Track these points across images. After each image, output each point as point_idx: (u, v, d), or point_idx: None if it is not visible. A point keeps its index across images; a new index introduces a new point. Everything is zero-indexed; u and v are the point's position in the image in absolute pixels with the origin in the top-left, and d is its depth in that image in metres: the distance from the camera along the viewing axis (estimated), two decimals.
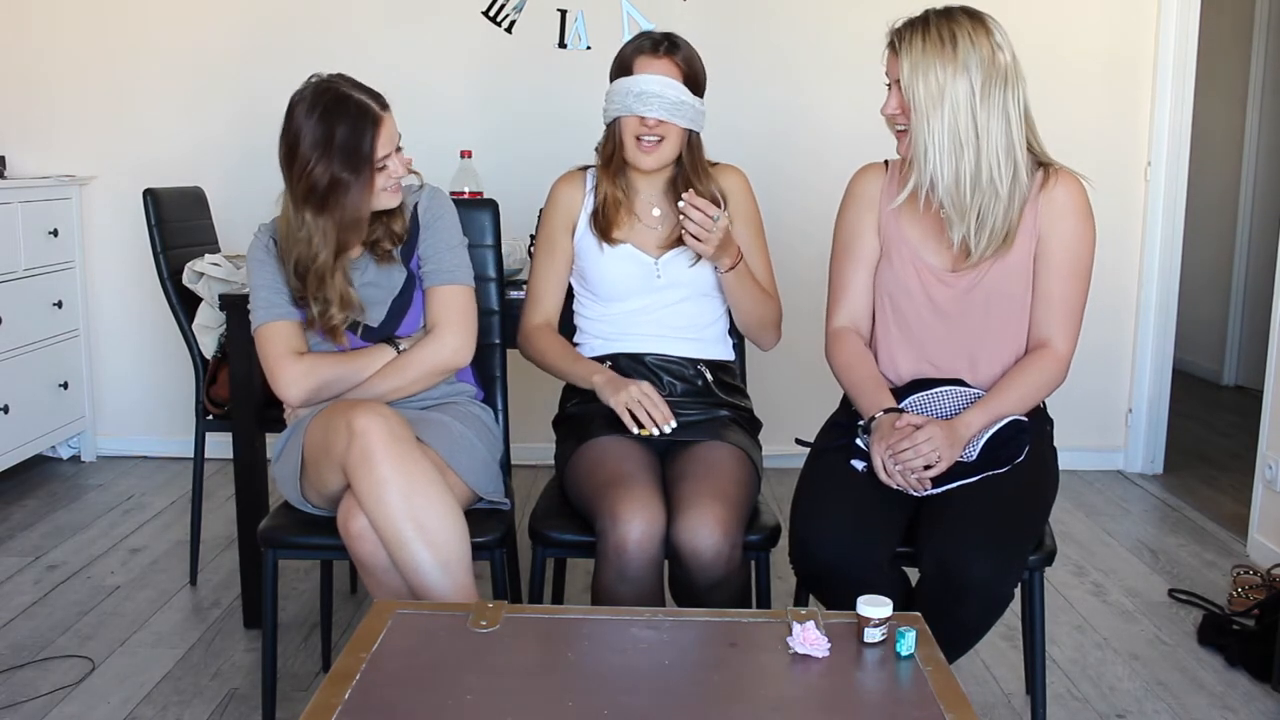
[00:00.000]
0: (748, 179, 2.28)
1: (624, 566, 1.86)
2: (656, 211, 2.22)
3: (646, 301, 2.20)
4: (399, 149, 2.06)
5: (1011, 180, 1.93)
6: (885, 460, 1.91)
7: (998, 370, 2.04)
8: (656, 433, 2.04)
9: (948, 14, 1.94)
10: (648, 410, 2.04)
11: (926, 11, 1.95)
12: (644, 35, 2.17)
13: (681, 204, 2.02)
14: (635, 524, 1.85)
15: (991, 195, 1.93)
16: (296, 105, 2.00)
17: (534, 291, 2.28)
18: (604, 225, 2.19)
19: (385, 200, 2.07)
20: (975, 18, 1.93)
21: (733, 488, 1.96)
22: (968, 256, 1.99)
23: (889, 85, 1.97)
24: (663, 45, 2.12)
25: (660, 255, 2.19)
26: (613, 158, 2.18)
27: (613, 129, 2.17)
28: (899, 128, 1.98)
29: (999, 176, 1.92)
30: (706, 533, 1.86)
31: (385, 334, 2.12)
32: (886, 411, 1.96)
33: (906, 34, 1.92)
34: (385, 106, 2.03)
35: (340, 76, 2.03)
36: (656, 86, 2.09)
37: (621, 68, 2.15)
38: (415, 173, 2.15)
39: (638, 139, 2.12)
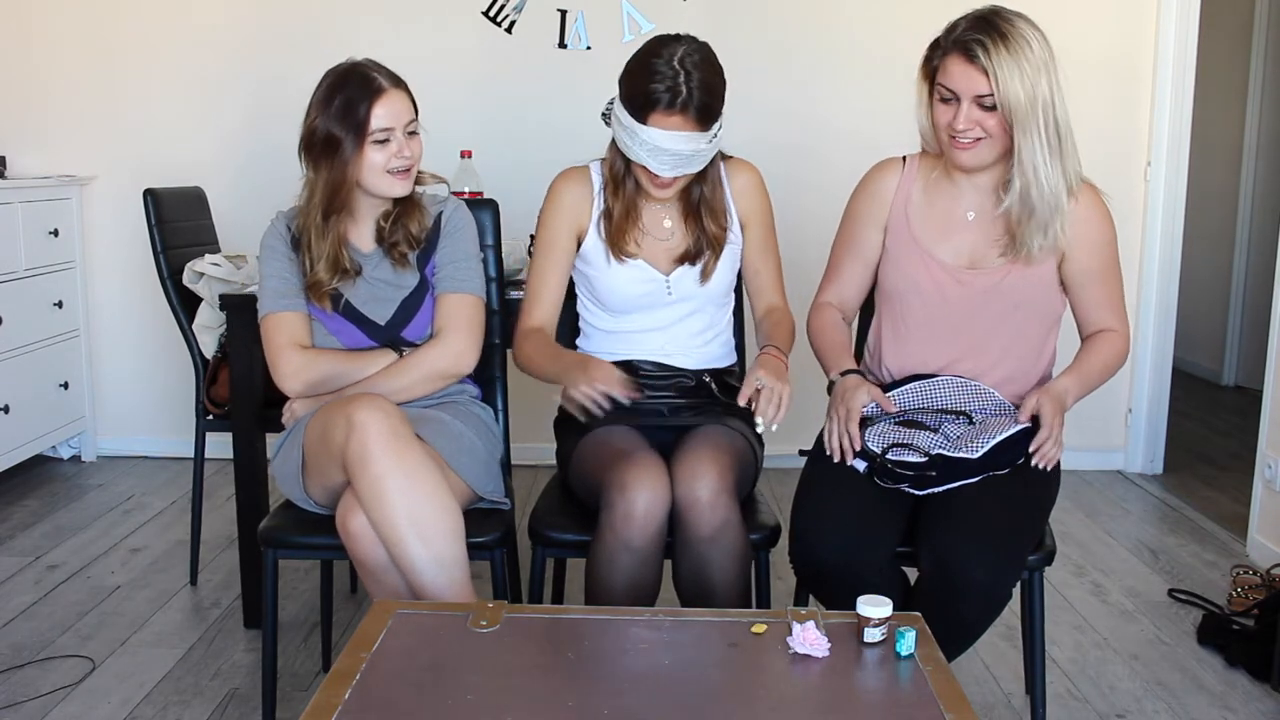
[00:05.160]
0: (760, 175, 2.23)
1: (630, 535, 1.86)
2: (668, 223, 2.17)
3: (656, 317, 2.17)
4: (412, 134, 2.08)
5: (1060, 211, 1.96)
6: (842, 427, 1.97)
7: (1000, 377, 2.04)
8: (627, 402, 1.98)
9: (1004, 16, 1.90)
10: (598, 400, 1.95)
11: (983, 14, 1.91)
12: (659, 76, 1.94)
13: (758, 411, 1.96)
14: (643, 492, 1.86)
15: (1066, 192, 1.95)
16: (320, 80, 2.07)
17: (532, 293, 2.20)
18: (615, 238, 2.13)
19: (392, 185, 2.07)
20: (1024, 18, 1.92)
21: (729, 454, 1.98)
22: (1002, 254, 2.00)
23: (950, 98, 1.91)
24: (678, 100, 1.94)
25: (671, 271, 2.15)
26: (624, 174, 2.11)
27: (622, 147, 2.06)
28: (970, 138, 1.92)
29: (1077, 169, 1.97)
30: (703, 480, 1.88)
31: (391, 333, 2.12)
32: (845, 374, 2.02)
33: (984, 40, 1.86)
34: (397, 84, 2.06)
35: (366, 59, 2.08)
36: (669, 144, 1.96)
37: (634, 106, 1.97)
38: (443, 180, 2.17)
39: (652, 176, 2.05)
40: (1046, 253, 1.99)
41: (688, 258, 2.15)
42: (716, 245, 2.15)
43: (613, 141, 2.12)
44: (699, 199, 2.14)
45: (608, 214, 2.15)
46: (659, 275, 2.15)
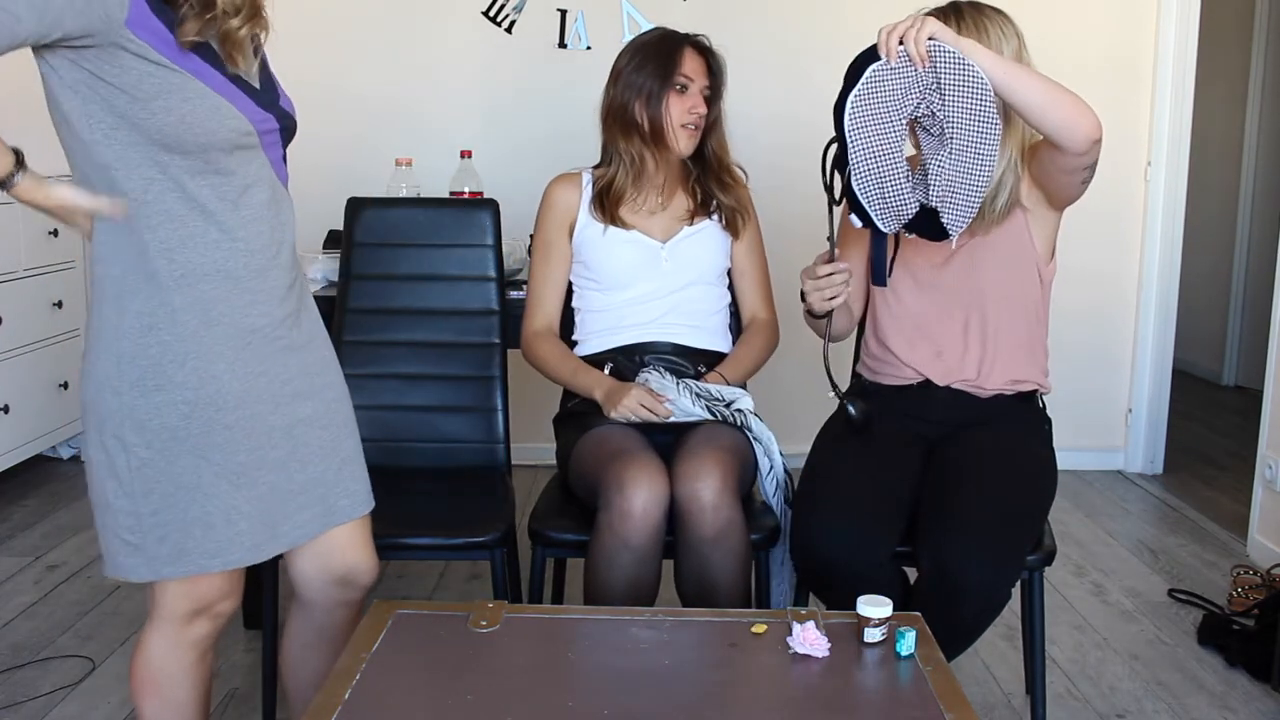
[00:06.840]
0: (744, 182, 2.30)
1: (628, 533, 1.87)
2: (659, 198, 2.24)
3: (651, 287, 2.21)
4: None
5: (1013, 167, 2.00)
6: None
7: (1004, 321, 2.06)
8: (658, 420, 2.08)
9: (977, 7, 1.98)
10: (646, 415, 2.07)
11: (960, 3, 1.99)
12: (673, 32, 2.22)
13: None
14: (641, 490, 1.87)
15: (1011, 176, 1.99)
16: None
17: (534, 295, 2.29)
18: (612, 205, 2.20)
19: None
20: (1004, 15, 1.98)
21: (731, 454, 2.00)
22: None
23: None
24: (697, 37, 2.21)
25: (666, 239, 2.22)
26: (641, 156, 2.18)
27: (644, 114, 2.15)
28: None
29: (1013, 163, 1.99)
30: (706, 480, 1.90)
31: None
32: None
33: (941, 20, 1.91)
34: None
35: None
36: (702, 77, 2.17)
37: (663, 53, 2.16)
38: None
39: (682, 126, 2.15)
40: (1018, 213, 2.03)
41: (681, 224, 2.23)
42: (726, 192, 2.25)
43: (618, 134, 2.18)
44: (702, 164, 2.25)
45: (604, 190, 2.21)
46: (654, 243, 2.21)
